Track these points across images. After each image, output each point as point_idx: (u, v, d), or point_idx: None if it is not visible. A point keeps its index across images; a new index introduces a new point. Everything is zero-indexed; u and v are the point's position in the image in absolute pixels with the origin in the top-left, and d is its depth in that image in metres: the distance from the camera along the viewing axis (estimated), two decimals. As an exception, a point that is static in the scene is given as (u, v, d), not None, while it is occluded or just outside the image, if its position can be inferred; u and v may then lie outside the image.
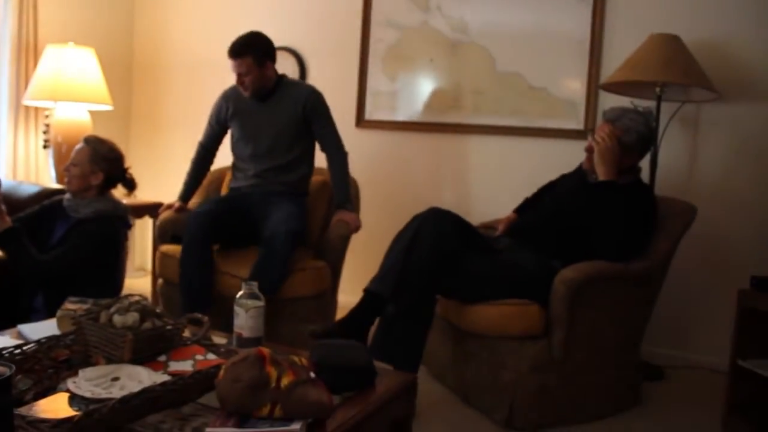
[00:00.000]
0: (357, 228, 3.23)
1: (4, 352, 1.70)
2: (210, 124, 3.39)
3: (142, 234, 4.59)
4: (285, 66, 4.25)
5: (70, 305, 2.09)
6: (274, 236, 2.94)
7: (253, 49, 3.11)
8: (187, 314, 1.87)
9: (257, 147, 3.23)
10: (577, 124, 3.62)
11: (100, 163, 2.79)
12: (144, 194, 4.16)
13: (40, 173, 4.06)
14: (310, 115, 3.22)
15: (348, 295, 3.50)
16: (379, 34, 4.08)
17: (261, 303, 1.86)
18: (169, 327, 1.71)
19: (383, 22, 4.07)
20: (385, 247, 2.74)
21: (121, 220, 2.87)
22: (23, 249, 2.65)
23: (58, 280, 2.69)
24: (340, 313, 3.33)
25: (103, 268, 2.81)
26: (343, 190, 3.24)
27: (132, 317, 1.66)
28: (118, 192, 2.94)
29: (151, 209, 3.99)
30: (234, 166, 3.36)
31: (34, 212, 2.92)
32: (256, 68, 3.11)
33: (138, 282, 4.40)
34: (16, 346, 1.73)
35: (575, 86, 3.63)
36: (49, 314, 2.63)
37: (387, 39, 4.06)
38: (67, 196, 2.88)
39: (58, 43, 3.86)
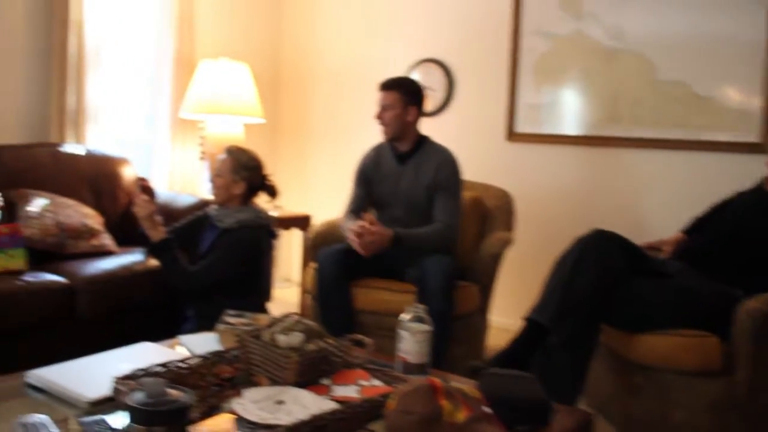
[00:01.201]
0: (358, 243, 2.80)
1: (169, 366, 1.70)
2: (354, 191, 3.20)
3: (289, 245, 4.64)
4: (433, 78, 4.18)
5: (230, 318, 2.08)
6: (430, 272, 2.77)
7: (403, 87, 3.05)
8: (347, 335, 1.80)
9: (394, 211, 3.08)
10: (754, 136, 3.28)
11: (242, 172, 2.85)
12: (291, 206, 4.22)
13: (196, 184, 4.19)
14: (438, 181, 3.00)
15: (501, 316, 3.37)
16: (529, 44, 3.92)
17: (428, 327, 1.76)
18: (334, 349, 1.64)
19: (533, 31, 3.90)
20: (540, 265, 2.59)
21: (264, 228, 2.90)
22: (174, 260, 2.74)
23: (207, 290, 2.74)
24: (493, 335, 3.23)
25: (249, 277, 2.84)
26: (410, 231, 2.91)
27: (296, 338, 1.60)
28: (264, 201, 2.97)
29: (299, 221, 4.03)
30: None
31: (186, 223, 3.02)
32: (400, 106, 3.00)
33: (282, 293, 4.44)
34: (181, 360, 1.73)
35: (750, 94, 3.30)
36: (200, 323, 2.68)
37: (538, 49, 3.89)
38: (213, 206, 2.95)
39: (213, 58, 3.98)
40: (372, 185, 3.15)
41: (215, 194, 2.91)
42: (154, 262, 2.90)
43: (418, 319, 1.77)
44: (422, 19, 4.29)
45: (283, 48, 4.89)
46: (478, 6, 4.08)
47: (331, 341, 1.68)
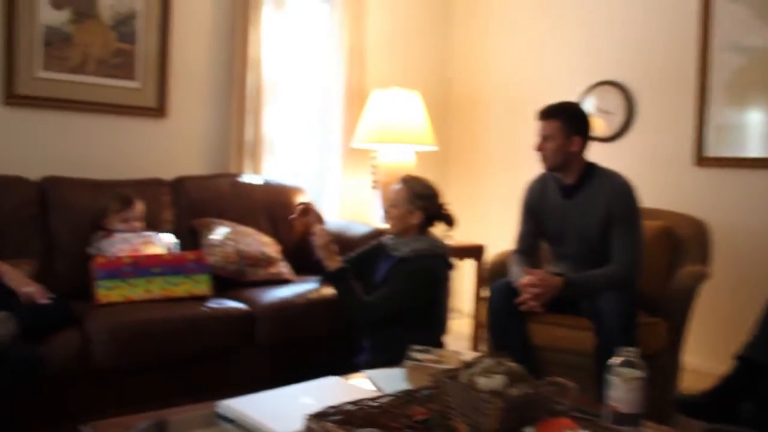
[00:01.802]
0: (525, 287, 2.63)
1: (360, 404, 1.63)
2: (522, 227, 3.01)
3: (460, 275, 4.53)
4: (611, 101, 3.96)
5: (417, 354, 2.00)
6: (609, 310, 2.53)
7: (564, 115, 2.78)
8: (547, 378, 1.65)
9: (565, 248, 2.87)
10: None
11: (417, 201, 2.79)
12: (463, 236, 4.11)
13: (367, 213, 4.20)
14: (612, 214, 2.72)
15: (696, 357, 3.07)
16: (720, 60, 3.59)
17: (642, 374, 1.57)
18: (540, 394, 1.50)
19: (725, 46, 3.57)
20: (740, 302, 2.34)
21: (440, 258, 2.81)
22: (350, 289, 2.71)
23: (382, 321, 2.69)
24: (687, 378, 2.94)
25: (425, 308, 2.76)
26: (582, 276, 2.69)
27: (499, 380, 1.48)
28: (439, 231, 2.88)
29: (472, 251, 3.92)
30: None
31: (362, 252, 3.00)
32: (561, 135, 2.75)
33: (453, 324, 4.31)
34: (372, 399, 1.66)
35: None
36: (375, 354, 2.63)
37: (730, 64, 3.56)
38: (388, 235, 2.91)
39: (383, 87, 3.98)
40: (539, 219, 2.95)
41: (391, 225, 2.87)
42: (330, 291, 2.90)
43: (628, 364, 1.59)
44: (597, 40, 4.08)
45: (453, 74, 4.85)
46: (660, 22, 3.82)
47: (536, 384, 1.54)
